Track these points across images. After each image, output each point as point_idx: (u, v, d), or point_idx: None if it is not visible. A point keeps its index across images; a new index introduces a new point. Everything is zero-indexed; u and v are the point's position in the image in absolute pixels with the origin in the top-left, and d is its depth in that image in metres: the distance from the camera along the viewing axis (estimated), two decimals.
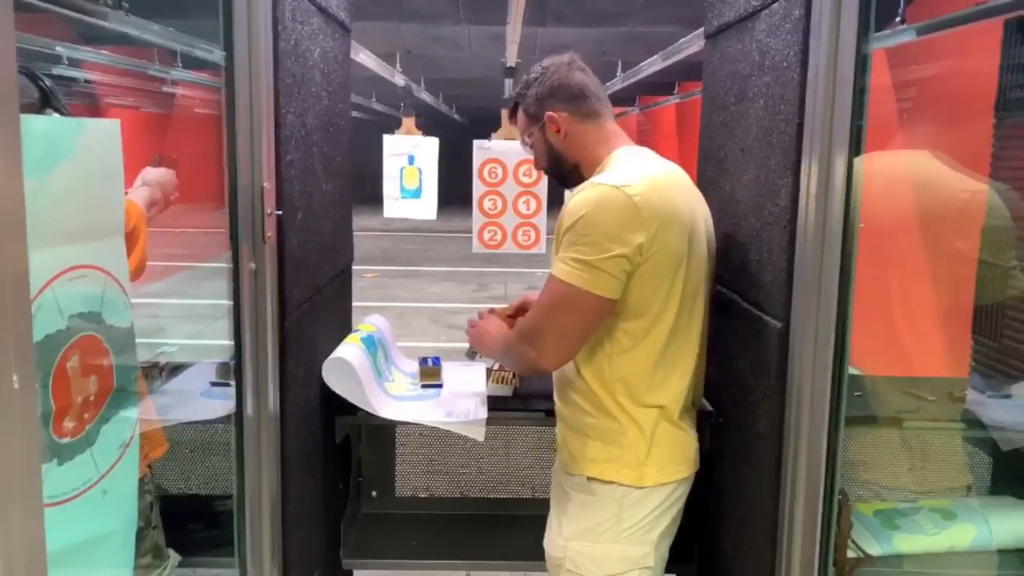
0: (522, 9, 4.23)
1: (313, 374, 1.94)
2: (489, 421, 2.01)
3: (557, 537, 1.81)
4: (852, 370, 1.51)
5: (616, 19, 5.58)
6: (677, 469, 1.75)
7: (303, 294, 1.83)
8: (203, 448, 2.43)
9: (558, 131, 1.82)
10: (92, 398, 1.08)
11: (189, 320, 6.94)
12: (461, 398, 2.13)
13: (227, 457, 1.65)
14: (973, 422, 1.99)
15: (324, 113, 1.99)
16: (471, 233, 3.74)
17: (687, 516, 1.83)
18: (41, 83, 1.57)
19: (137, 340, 1.21)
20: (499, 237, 3.77)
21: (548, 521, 1.89)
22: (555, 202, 2.24)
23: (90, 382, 1.08)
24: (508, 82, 5.85)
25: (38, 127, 1.00)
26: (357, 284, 2.59)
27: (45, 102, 1.57)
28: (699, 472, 1.82)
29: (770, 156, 1.64)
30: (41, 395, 0.97)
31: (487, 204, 3.72)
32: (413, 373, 2.32)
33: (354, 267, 2.52)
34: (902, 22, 1.34)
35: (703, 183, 2.09)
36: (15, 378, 0.66)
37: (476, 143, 3.69)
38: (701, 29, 2.25)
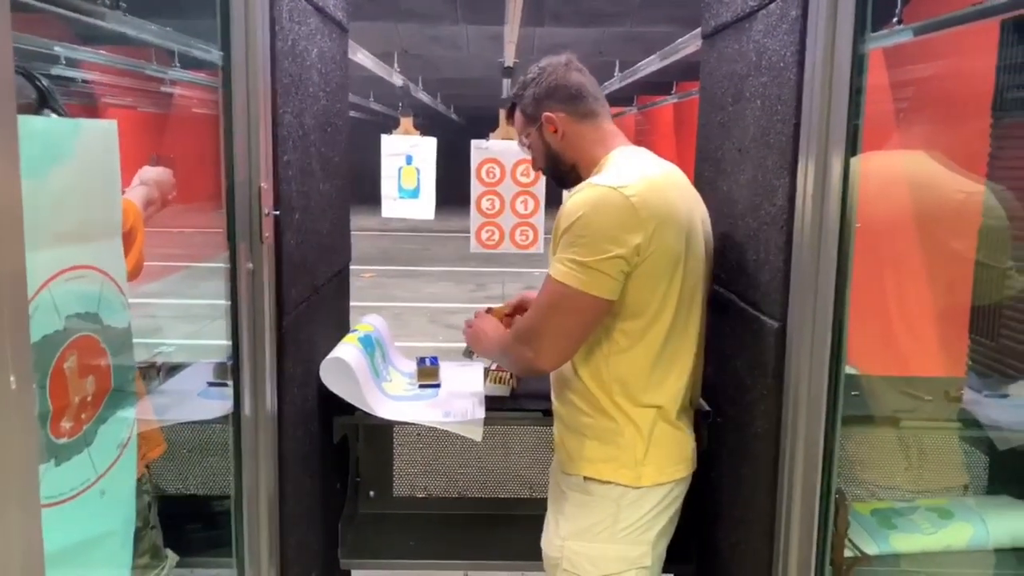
0: (520, 9, 4.23)
1: (311, 374, 1.94)
2: (487, 421, 2.01)
3: (554, 537, 1.81)
4: (849, 370, 1.51)
5: (613, 19, 5.58)
6: (675, 469, 1.75)
7: (301, 294, 1.83)
8: (201, 448, 2.43)
9: (555, 131, 1.82)
10: (90, 398, 1.08)
11: (187, 320, 6.93)
12: (459, 398, 2.14)
13: (225, 457, 1.65)
14: (970, 421, 1.99)
15: (322, 113, 1.99)
16: (469, 233, 3.73)
17: (685, 516, 1.83)
18: (39, 83, 1.57)
19: (135, 340, 1.21)
20: (497, 237, 3.76)
21: (545, 521, 1.90)
22: (553, 202, 2.24)
23: (87, 382, 1.08)
24: (506, 82, 5.85)
25: (36, 128, 1.00)
26: (355, 284, 2.59)
27: (43, 102, 1.57)
28: (697, 472, 1.82)
29: (767, 156, 1.64)
30: (38, 395, 0.97)
31: (485, 204, 3.71)
32: (411, 373, 2.32)
33: (352, 267, 2.52)
34: (899, 22, 1.35)
35: (700, 183, 2.09)
36: (12, 378, 0.66)
37: (474, 143, 3.69)
38: (698, 29, 2.25)
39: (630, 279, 1.63)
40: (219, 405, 1.85)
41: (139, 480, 1.71)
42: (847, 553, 1.67)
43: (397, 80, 6.76)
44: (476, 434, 2.01)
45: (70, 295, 1.03)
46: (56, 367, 1.01)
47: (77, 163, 1.03)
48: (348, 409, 2.02)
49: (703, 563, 2.13)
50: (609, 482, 1.72)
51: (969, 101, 2.39)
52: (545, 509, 1.92)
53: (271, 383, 1.63)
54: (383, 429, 2.49)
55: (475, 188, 3.68)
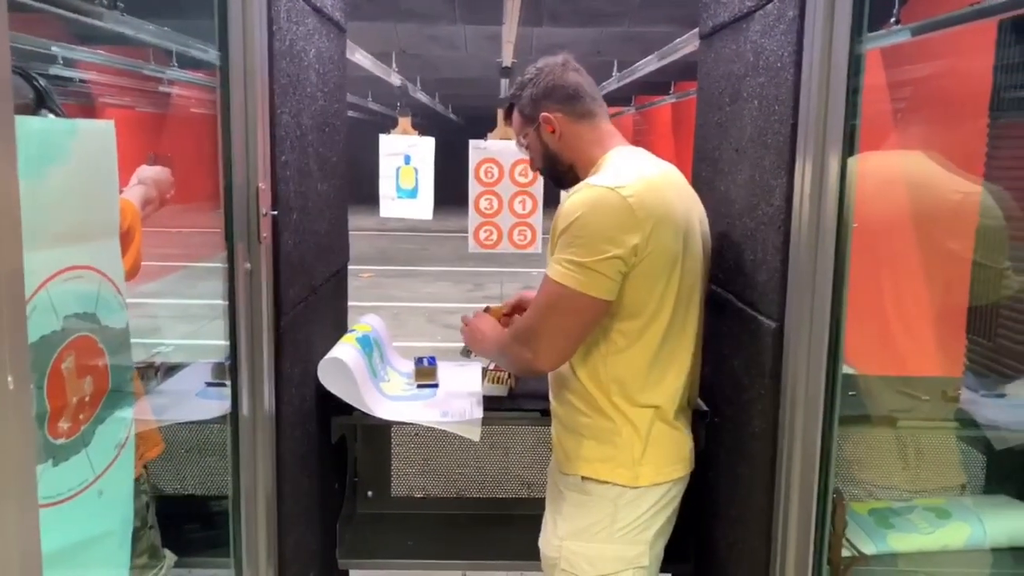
0: (518, 9, 4.23)
1: (309, 374, 1.94)
2: (485, 421, 2.01)
3: (552, 537, 1.81)
4: (846, 369, 1.51)
5: (612, 19, 5.58)
6: (672, 469, 1.75)
7: (298, 294, 1.83)
8: (199, 448, 2.43)
9: (553, 132, 1.82)
10: (87, 399, 1.08)
11: (184, 320, 6.93)
12: (457, 398, 2.14)
13: (223, 457, 1.65)
14: (967, 421, 2.00)
15: (319, 113, 1.99)
16: (467, 233, 3.74)
17: (682, 515, 1.83)
18: (36, 83, 1.57)
19: (132, 340, 1.21)
20: (495, 237, 3.77)
21: (543, 521, 1.90)
22: (551, 202, 2.24)
23: (85, 383, 1.08)
24: (504, 82, 5.85)
25: (33, 128, 1.00)
26: (353, 284, 2.59)
27: (40, 103, 1.57)
28: (694, 471, 1.82)
29: (764, 156, 1.64)
30: (36, 396, 0.97)
31: (483, 204, 3.71)
32: (409, 373, 2.32)
33: (350, 267, 2.52)
34: (897, 22, 1.35)
35: (698, 183, 2.09)
36: (10, 379, 0.66)
37: (472, 143, 3.69)
38: (696, 29, 2.25)
39: (628, 279, 1.63)
40: (217, 405, 1.85)
41: (137, 480, 1.71)
42: (844, 553, 1.67)
43: (395, 80, 6.76)
44: (474, 434, 2.01)
45: (68, 295, 1.03)
46: (54, 367, 1.01)
47: (75, 163, 1.03)
48: (346, 409, 2.02)
49: (701, 563, 2.13)
50: (607, 482, 1.72)
51: (966, 101, 2.40)
52: (543, 509, 1.92)
53: (269, 383, 1.63)
54: (381, 429, 2.49)
55: (473, 188, 3.68)
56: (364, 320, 2.38)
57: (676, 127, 11.05)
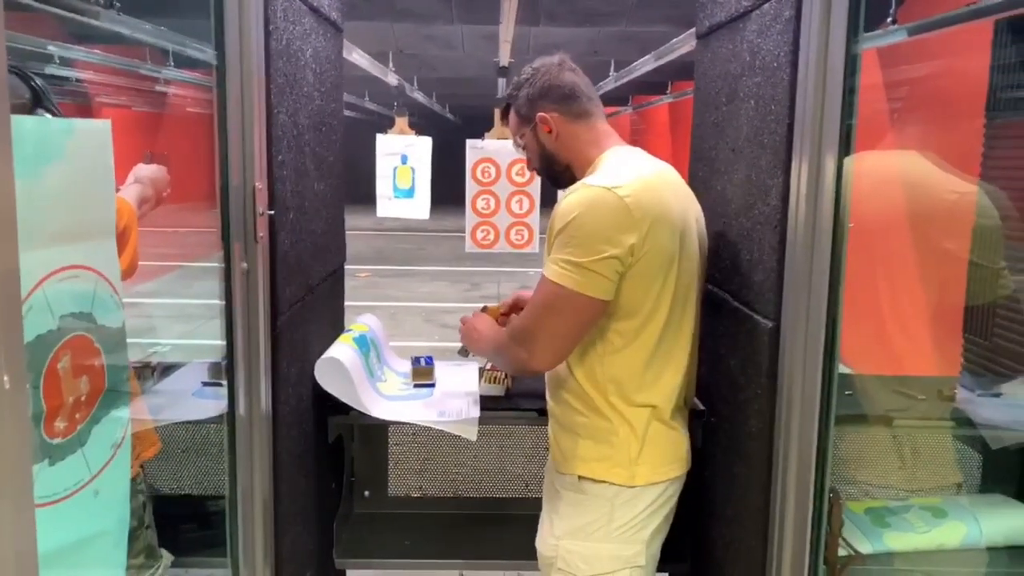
0: (515, 9, 4.24)
1: (305, 374, 1.94)
2: (481, 420, 2.02)
3: (549, 536, 1.81)
4: (843, 369, 1.51)
5: (608, 18, 5.59)
6: (669, 468, 1.76)
7: (295, 294, 1.83)
8: (195, 448, 2.43)
9: (550, 131, 1.82)
10: (83, 398, 1.08)
11: (181, 320, 6.93)
12: (453, 398, 2.14)
13: (219, 457, 1.65)
14: (963, 420, 2.00)
15: (316, 113, 1.99)
16: (464, 232, 3.73)
17: (679, 514, 1.83)
18: (33, 83, 1.57)
19: (129, 340, 1.21)
20: (492, 236, 3.76)
21: (540, 520, 1.90)
22: (548, 202, 2.24)
23: (81, 382, 1.08)
24: (501, 81, 5.85)
25: (29, 128, 1.00)
26: (350, 284, 2.59)
27: (37, 102, 1.57)
28: (691, 471, 1.82)
29: (761, 156, 1.64)
30: (32, 395, 0.97)
31: (480, 203, 3.71)
32: (405, 373, 2.32)
33: (347, 267, 2.52)
34: (893, 22, 1.35)
35: (695, 182, 2.10)
36: (6, 379, 0.66)
37: (469, 142, 3.69)
38: (693, 29, 2.25)
39: (624, 279, 1.63)
40: (214, 405, 1.85)
41: (134, 480, 1.71)
42: (841, 552, 1.67)
43: (392, 80, 6.75)
44: (471, 433, 2.01)
45: (64, 295, 1.03)
46: (50, 367, 1.01)
47: (71, 163, 1.02)
48: (343, 409, 2.02)
49: (697, 562, 2.13)
50: (603, 481, 1.72)
51: (963, 101, 2.40)
52: (540, 508, 1.92)
53: (266, 383, 1.63)
54: (378, 429, 2.49)
55: (470, 188, 3.68)
56: (361, 320, 2.38)
57: (673, 127, 11.06)
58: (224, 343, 1.57)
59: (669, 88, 8.90)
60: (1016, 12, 1.17)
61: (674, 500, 1.80)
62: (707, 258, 1.85)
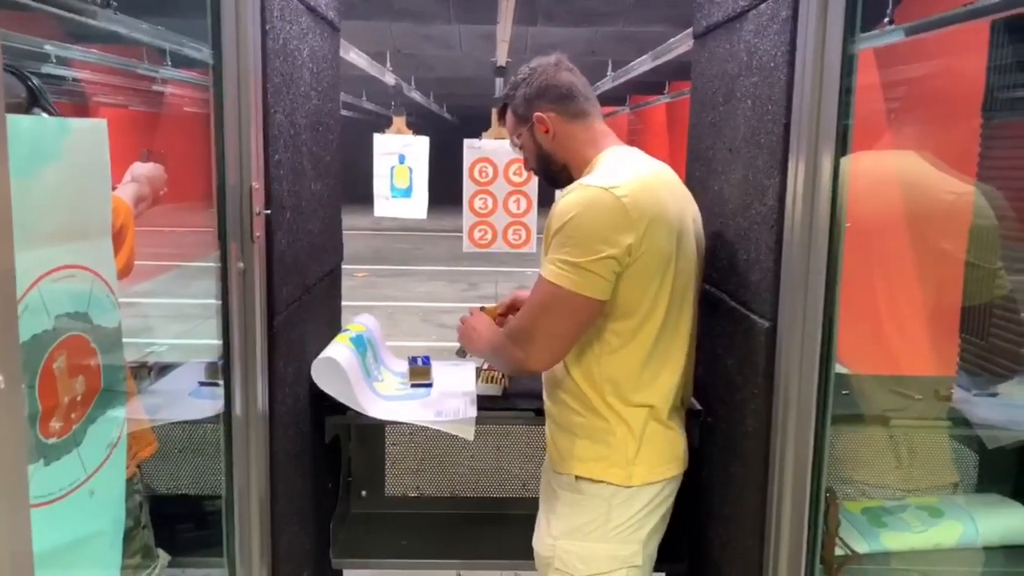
0: (512, 8, 4.24)
1: (302, 374, 1.94)
2: (479, 420, 2.01)
3: (546, 536, 1.81)
4: (839, 368, 1.52)
5: (606, 18, 5.60)
6: (666, 468, 1.76)
7: (292, 294, 1.83)
8: (192, 448, 2.43)
9: (547, 131, 1.82)
10: (79, 398, 1.08)
11: (177, 320, 6.92)
12: (450, 397, 2.14)
13: (216, 457, 1.65)
14: (960, 420, 2.00)
15: (313, 112, 1.98)
16: (461, 232, 3.74)
17: (676, 514, 1.84)
18: (29, 82, 1.57)
19: (125, 340, 1.21)
20: (489, 236, 3.76)
21: (537, 520, 1.90)
22: (546, 201, 2.24)
23: (77, 382, 1.07)
24: (499, 81, 5.85)
25: (25, 127, 1.00)
26: (347, 283, 2.59)
27: (33, 101, 1.57)
28: (688, 470, 1.83)
29: (758, 156, 1.65)
30: (28, 395, 0.97)
31: (477, 203, 3.71)
32: (403, 373, 2.32)
33: (344, 266, 2.52)
34: (891, 22, 1.35)
35: (692, 182, 2.10)
36: (1, 378, 0.66)
37: (467, 142, 3.69)
38: (690, 29, 2.26)
39: (621, 279, 1.63)
40: (210, 405, 1.85)
41: (130, 480, 1.71)
42: (838, 551, 1.67)
43: (390, 79, 6.75)
44: (468, 433, 2.01)
45: (60, 294, 1.02)
46: (45, 367, 1.00)
47: (67, 162, 1.02)
48: (340, 409, 2.02)
49: (694, 562, 2.13)
50: (600, 481, 1.72)
51: (960, 101, 2.40)
52: (537, 508, 1.92)
53: (262, 383, 1.63)
54: (375, 429, 2.49)
55: (468, 187, 3.68)
56: (358, 320, 2.38)
57: (670, 127, 11.06)
58: (220, 343, 1.57)
59: (666, 88, 8.90)
60: (1013, 12, 1.17)
61: (671, 500, 1.80)
62: (704, 258, 1.85)
